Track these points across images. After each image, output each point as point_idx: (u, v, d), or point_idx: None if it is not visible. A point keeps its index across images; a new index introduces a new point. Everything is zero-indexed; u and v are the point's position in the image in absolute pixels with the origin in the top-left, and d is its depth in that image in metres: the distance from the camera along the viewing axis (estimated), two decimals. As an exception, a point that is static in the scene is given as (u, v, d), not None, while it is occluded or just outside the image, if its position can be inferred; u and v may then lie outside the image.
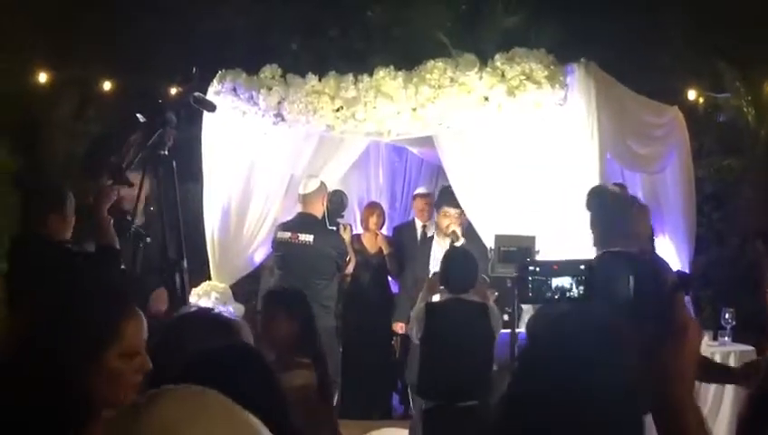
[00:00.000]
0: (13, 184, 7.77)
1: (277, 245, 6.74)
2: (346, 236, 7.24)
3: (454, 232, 6.95)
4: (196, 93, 4.88)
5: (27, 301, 2.37)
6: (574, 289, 4.54)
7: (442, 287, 5.74)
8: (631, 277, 3.09)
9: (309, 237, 6.64)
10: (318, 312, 6.40)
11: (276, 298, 4.48)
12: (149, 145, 4.42)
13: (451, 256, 5.90)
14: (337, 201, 7.30)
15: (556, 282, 4.63)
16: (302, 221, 6.71)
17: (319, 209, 6.82)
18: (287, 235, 6.68)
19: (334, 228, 7.12)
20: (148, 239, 4.48)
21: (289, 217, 6.87)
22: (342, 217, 7.49)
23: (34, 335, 2.14)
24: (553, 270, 4.62)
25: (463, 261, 5.74)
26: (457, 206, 6.90)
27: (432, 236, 7.45)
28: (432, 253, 7.04)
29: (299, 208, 6.81)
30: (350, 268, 7.36)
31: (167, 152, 4.43)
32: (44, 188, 5.22)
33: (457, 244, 6.82)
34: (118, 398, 2.09)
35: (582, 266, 4.67)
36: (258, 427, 1.16)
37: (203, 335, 2.48)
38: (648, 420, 1.72)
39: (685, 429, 1.65)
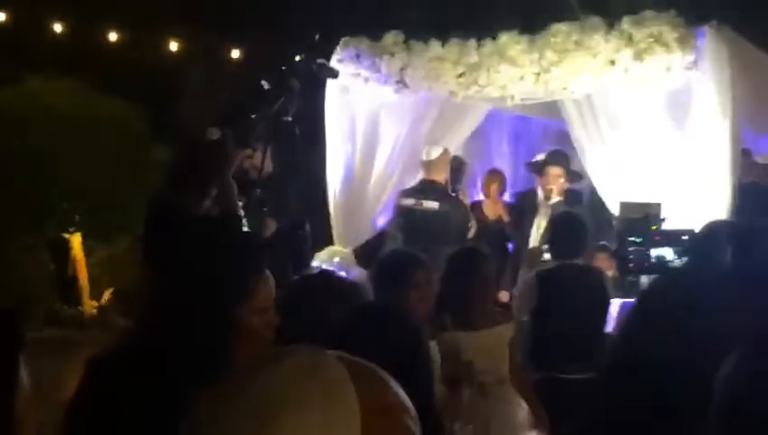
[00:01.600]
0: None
1: (400, 211, 6.78)
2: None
3: (549, 188, 6.81)
4: (320, 60, 4.95)
5: (165, 262, 2.47)
6: (676, 260, 4.42)
7: (547, 256, 5.52)
8: (729, 247, 2.98)
9: (434, 204, 6.65)
10: None
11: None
12: (273, 112, 4.51)
13: (558, 219, 5.73)
14: (456, 167, 7.27)
15: (656, 252, 4.52)
16: (427, 188, 6.73)
17: (442, 176, 6.84)
18: (411, 201, 6.71)
19: (455, 195, 7.12)
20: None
21: (412, 184, 6.90)
22: (461, 183, 7.46)
23: (173, 294, 2.23)
24: (655, 241, 4.51)
25: (570, 225, 5.51)
26: (562, 166, 6.77)
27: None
28: (536, 220, 6.94)
29: (422, 175, 6.84)
30: (470, 235, 7.33)
31: (290, 119, 4.52)
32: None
33: (551, 202, 6.69)
34: (250, 352, 2.17)
35: (685, 237, 4.54)
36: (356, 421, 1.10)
37: (326, 297, 2.53)
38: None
39: None
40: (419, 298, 3.54)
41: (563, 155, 6.98)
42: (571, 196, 6.93)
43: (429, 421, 1.89)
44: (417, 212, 6.67)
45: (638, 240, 4.75)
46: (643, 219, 5.70)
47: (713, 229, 3.87)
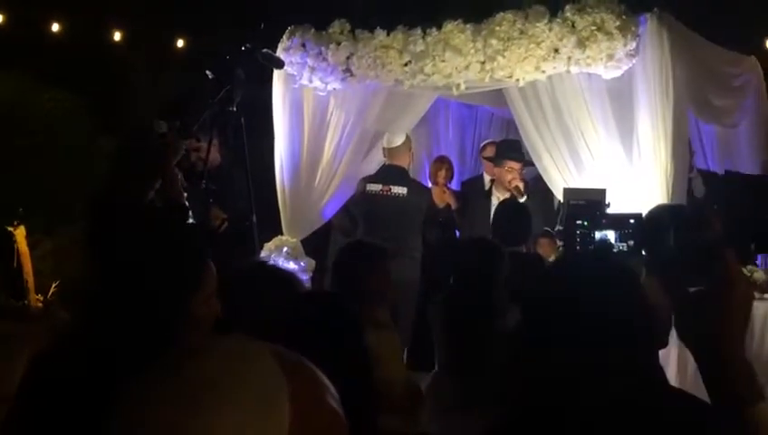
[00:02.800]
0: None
1: (365, 197, 6.82)
2: None
3: (517, 187, 6.92)
4: (264, 50, 4.94)
5: (109, 254, 2.46)
6: (620, 243, 4.50)
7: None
8: (672, 230, 3.04)
9: (402, 190, 6.75)
10: (408, 264, 6.53)
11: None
12: (218, 101, 4.49)
13: (502, 209, 5.82)
14: None
15: (601, 235, 4.59)
16: (393, 173, 6.81)
17: (406, 162, 6.98)
18: (377, 187, 6.78)
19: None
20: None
21: (370, 171, 6.98)
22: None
23: (119, 286, 2.22)
24: (601, 224, 4.58)
25: (514, 214, 5.63)
26: (520, 159, 6.86)
27: (491, 190, 7.42)
28: (492, 208, 7.03)
29: (384, 161, 6.96)
30: None
31: (235, 109, 4.51)
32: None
33: (521, 200, 6.79)
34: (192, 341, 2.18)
35: (632, 220, 4.62)
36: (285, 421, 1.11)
37: (262, 286, 2.54)
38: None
39: (733, 385, 1.63)
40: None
41: (518, 146, 7.01)
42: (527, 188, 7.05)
43: (365, 407, 1.92)
44: (385, 198, 6.75)
45: (584, 223, 4.81)
46: (587, 205, 5.79)
47: (657, 211, 3.93)
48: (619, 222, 4.91)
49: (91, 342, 2.16)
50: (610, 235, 4.74)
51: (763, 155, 7.50)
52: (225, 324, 2.23)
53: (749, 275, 6.56)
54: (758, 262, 7.21)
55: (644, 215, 4.41)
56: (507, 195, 6.96)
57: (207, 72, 4.54)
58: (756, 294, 6.47)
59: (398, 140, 6.91)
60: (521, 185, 6.97)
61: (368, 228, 6.69)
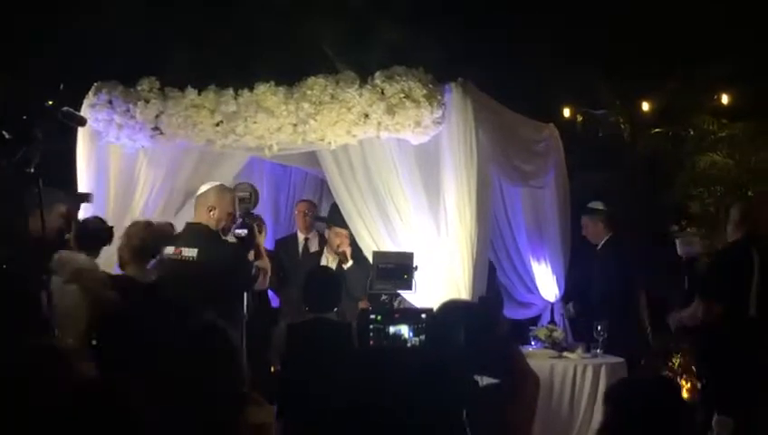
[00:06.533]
0: None
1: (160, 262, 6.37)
2: None
3: (343, 252, 7.02)
4: (65, 108, 4.75)
5: None
6: (413, 337, 4.64)
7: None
8: (462, 327, 3.17)
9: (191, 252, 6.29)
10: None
11: None
12: (14, 163, 4.28)
13: (311, 274, 5.81)
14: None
15: (394, 329, 4.73)
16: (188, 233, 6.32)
17: (203, 218, 6.05)
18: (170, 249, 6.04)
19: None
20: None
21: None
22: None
23: None
24: (394, 318, 4.73)
25: (322, 279, 5.67)
26: (344, 225, 6.92)
27: (319, 252, 7.49)
28: None
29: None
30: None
31: (33, 170, 4.30)
32: None
33: (345, 265, 6.86)
34: None
35: (423, 315, 4.80)
36: None
37: None
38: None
39: None
40: None
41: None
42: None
43: None
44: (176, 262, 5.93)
45: (378, 317, 4.99)
46: (396, 268, 5.90)
47: (448, 309, 4.00)
48: (411, 317, 5.12)
49: None
50: (404, 329, 4.88)
51: (563, 216, 7.89)
52: None
53: (549, 333, 6.86)
54: (557, 321, 7.56)
55: (435, 310, 4.44)
56: (335, 258, 7.04)
57: (3, 132, 4.31)
58: (554, 353, 6.76)
59: (201, 190, 6.09)
60: (347, 250, 7.05)
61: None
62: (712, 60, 9.30)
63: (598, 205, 8.07)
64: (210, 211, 5.93)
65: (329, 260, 7.35)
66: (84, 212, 6.26)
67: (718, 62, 9.25)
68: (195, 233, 5.95)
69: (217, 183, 6.15)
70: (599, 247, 8.03)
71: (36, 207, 4.29)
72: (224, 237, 6.02)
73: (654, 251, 8.84)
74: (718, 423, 5.47)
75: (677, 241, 7.94)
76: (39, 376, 2.42)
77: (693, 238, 8.07)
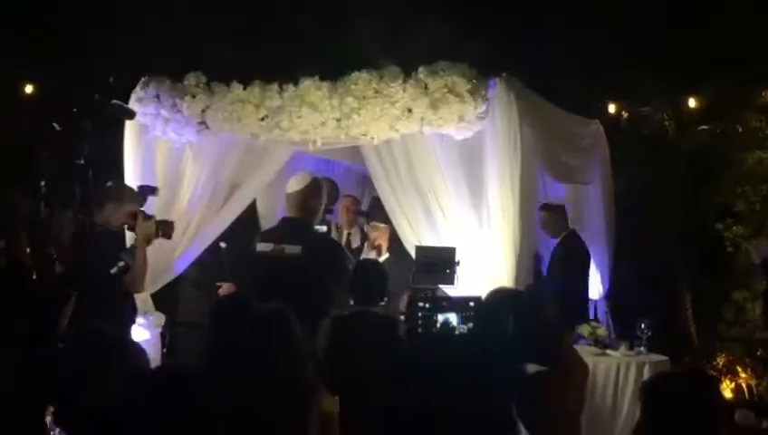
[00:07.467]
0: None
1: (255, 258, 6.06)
2: None
3: (379, 246, 7.02)
4: (114, 101, 4.83)
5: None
6: (461, 325, 4.65)
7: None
8: (511, 316, 3.17)
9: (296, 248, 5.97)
10: None
11: None
12: (65, 154, 4.37)
13: (357, 267, 5.83)
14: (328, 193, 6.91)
15: (443, 317, 4.74)
16: (287, 229, 6.15)
17: (305, 212, 6.14)
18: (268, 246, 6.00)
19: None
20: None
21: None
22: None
23: None
24: (442, 306, 4.73)
25: (367, 273, 5.66)
26: (385, 219, 6.94)
27: (360, 247, 7.51)
28: None
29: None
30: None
31: (83, 161, 4.39)
32: None
33: (381, 259, 6.87)
34: None
35: (471, 303, 4.80)
36: None
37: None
38: None
39: None
40: None
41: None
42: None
43: None
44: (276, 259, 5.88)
45: (426, 305, 5.01)
46: (438, 263, 5.91)
47: (496, 297, 4.00)
48: (459, 305, 5.11)
49: None
50: (452, 317, 4.89)
51: (608, 213, 7.84)
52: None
53: (592, 331, 6.81)
54: (601, 318, 7.52)
55: (483, 298, 4.45)
56: (374, 252, 7.06)
57: (54, 124, 4.40)
58: (597, 350, 6.72)
59: (295, 185, 6.11)
60: (383, 244, 7.06)
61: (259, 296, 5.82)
62: (759, 57, 9.17)
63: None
64: (310, 205, 6.10)
65: (368, 255, 7.36)
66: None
67: (765, 59, 9.13)
68: (295, 229, 6.04)
69: (309, 176, 6.25)
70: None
71: (101, 200, 4.38)
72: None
73: (699, 250, 8.75)
74: None
75: (750, 248, 7.83)
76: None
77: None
